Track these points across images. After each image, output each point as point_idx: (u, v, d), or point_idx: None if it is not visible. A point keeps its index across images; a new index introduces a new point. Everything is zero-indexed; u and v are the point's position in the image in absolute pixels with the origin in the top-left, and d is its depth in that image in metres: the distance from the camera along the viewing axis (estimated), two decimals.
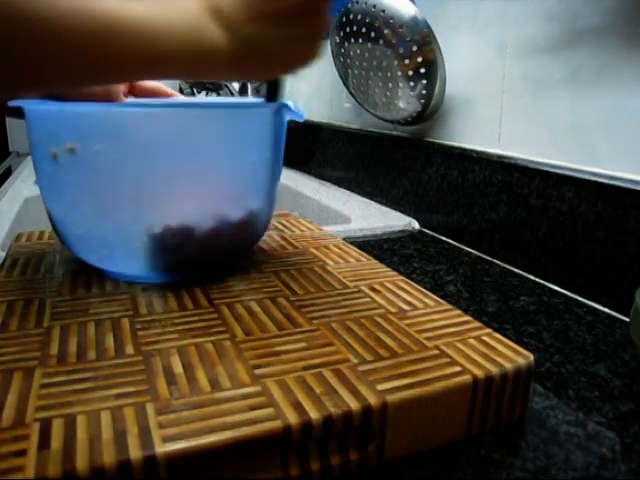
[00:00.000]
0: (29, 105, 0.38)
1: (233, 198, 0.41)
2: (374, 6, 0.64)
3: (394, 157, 0.78)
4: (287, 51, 0.31)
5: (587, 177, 0.49)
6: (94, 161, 0.37)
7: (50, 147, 0.38)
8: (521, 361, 0.31)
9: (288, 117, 0.43)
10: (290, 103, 0.42)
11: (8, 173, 0.98)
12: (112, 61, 0.27)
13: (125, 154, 0.37)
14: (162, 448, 0.23)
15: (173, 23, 0.28)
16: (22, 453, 0.23)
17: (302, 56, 0.32)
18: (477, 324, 0.35)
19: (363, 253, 0.49)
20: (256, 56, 0.30)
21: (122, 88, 0.47)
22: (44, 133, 0.39)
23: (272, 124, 0.41)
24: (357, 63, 0.71)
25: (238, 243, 0.43)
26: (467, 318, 0.36)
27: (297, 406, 0.26)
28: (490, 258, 0.61)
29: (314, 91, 1.04)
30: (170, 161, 0.38)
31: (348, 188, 0.91)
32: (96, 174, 0.37)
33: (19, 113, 0.39)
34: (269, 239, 0.53)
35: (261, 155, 0.41)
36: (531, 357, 0.31)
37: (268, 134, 0.41)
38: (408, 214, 0.75)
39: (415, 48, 0.62)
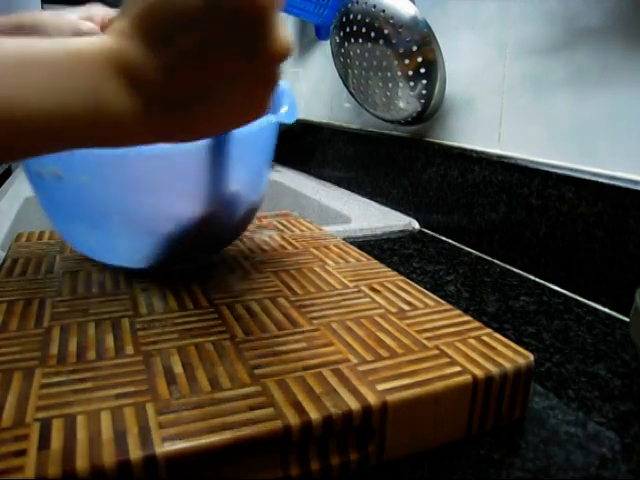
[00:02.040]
0: None
1: (218, 207, 0.41)
2: (374, 6, 0.64)
3: (394, 157, 0.78)
4: (223, 104, 0.24)
5: (587, 177, 0.49)
6: (79, 188, 0.37)
7: (34, 165, 0.38)
8: (521, 361, 0.31)
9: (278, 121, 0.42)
10: (283, 111, 0.41)
11: (8, 173, 0.98)
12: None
13: (109, 186, 0.37)
14: (162, 448, 0.23)
15: (68, 93, 0.22)
16: (22, 453, 0.23)
17: (241, 112, 0.26)
18: (477, 324, 0.35)
19: (363, 253, 0.49)
20: (181, 117, 0.24)
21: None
22: None
23: (256, 145, 0.42)
24: (357, 63, 0.71)
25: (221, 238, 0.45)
26: (467, 318, 0.36)
27: (297, 406, 0.26)
28: (490, 258, 0.61)
29: (314, 91, 1.04)
30: (154, 192, 0.38)
31: (348, 188, 0.91)
32: (81, 199, 0.38)
33: None
34: (269, 239, 0.53)
35: (248, 167, 0.41)
36: (531, 357, 0.31)
37: (253, 154, 0.41)
38: (408, 214, 0.75)
39: (415, 48, 0.62)
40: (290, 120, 0.41)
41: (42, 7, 1.39)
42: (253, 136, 0.40)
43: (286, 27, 0.24)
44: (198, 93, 0.24)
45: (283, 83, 0.44)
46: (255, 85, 0.24)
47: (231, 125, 0.26)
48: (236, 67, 0.23)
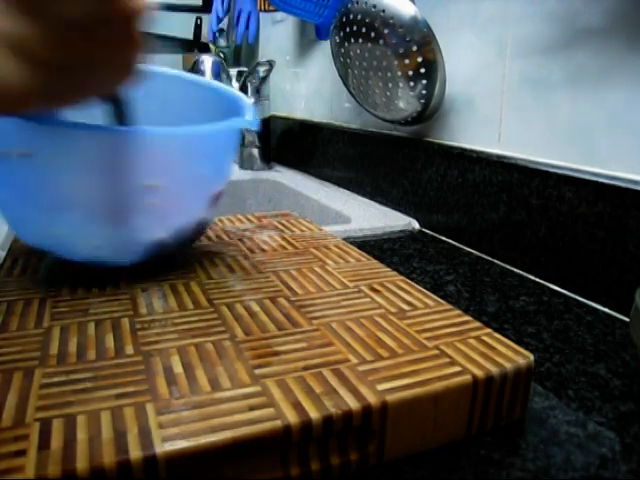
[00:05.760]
0: None
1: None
2: (374, 6, 0.64)
3: (394, 157, 0.78)
4: (96, 71, 0.28)
5: (587, 177, 0.49)
6: (45, 169, 0.37)
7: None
8: (521, 361, 0.31)
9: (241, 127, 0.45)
10: (247, 116, 0.44)
11: None
12: None
13: (76, 167, 0.37)
14: (162, 448, 0.23)
15: None
16: (22, 453, 0.23)
17: (113, 75, 0.30)
18: (477, 324, 0.35)
19: (363, 253, 0.49)
20: (63, 81, 0.27)
21: None
22: None
23: (223, 141, 0.44)
24: (357, 63, 0.71)
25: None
26: (467, 318, 0.36)
27: (297, 406, 0.26)
28: (490, 258, 0.61)
29: (314, 91, 1.04)
30: (121, 175, 0.38)
31: (348, 188, 0.91)
32: (47, 180, 0.37)
33: None
34: (269, 239, 0.53)
35: (215, 165, 0.44)
36: (531, 357, 0.31)
37: (218, 149, 0.44)
38: (408, 214, 0.75)
39: (415, 48, 0.62)
40: (254, 127, 0.44)
41: None
42: (221, 134, 0.44)
43: None
44: (75, 59, 0.27)
45: (244, 98, 0.48)
46: (118, 48, 0.28)
47: (106, 88, 0.30)
48: (102, 31, 0.27)
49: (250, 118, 0.44)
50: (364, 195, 0.86)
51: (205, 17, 1.44)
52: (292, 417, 0.26)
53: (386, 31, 0.64)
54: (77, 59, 0.27)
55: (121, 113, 0.39)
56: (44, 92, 0.27)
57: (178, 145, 0.40)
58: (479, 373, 0.29)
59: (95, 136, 0.37)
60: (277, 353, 0.31)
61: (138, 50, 0.29)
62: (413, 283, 0.42)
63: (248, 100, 0.48)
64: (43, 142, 0.36)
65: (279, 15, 1.12)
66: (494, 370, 0.30)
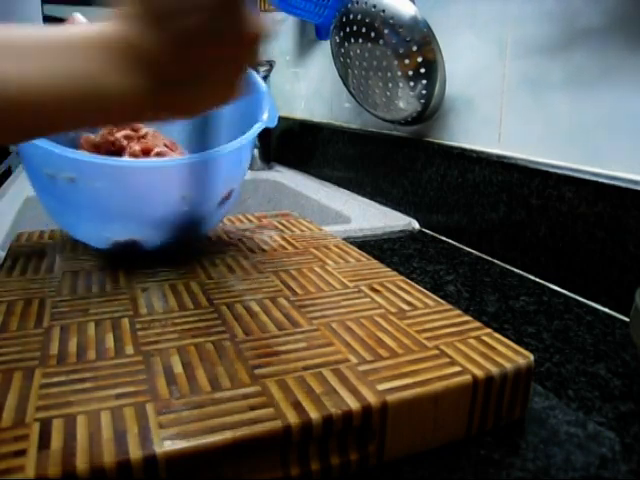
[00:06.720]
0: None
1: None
2: (374, 6, 0.64)
3: (394, 157, 0.78)
4: (210, 86, 0.28)
5: (587, 177, 0.49)
6: (91, 192, 0.41)
7: (45, 169, 0.41)
8: (521, 361, 0.31)
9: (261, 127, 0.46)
10: (264, 117, 0.45)
11: (8, 173, 0.98)
12: (25, 125, 0.25)
13: (122, 192, 0.42)
14: (162, 448, 0.23)
15: (69, 77, 0.24)
16: (22, 453, 0.23)
17: (224, 92, 0.29)
18: (477, 324, 0.35)
19: (363, 253, 0.49)
20: (179, 95, 0.27)
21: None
22: (40, 158, 0.42)
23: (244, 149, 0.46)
24: (357, 63, 0.71)
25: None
26: (467, 318, 0.36)
27: (297, 406, 0.26)
28: (490, 258, 0.61)
29: (314, 91, 1.03)
30: (155, 196, 0.43)
31: (348, 188, 0.91)
32: (94, 201, 0.42)
33: None
34: (269, 239, 0.53)
35: (234, 166, 0.46)
36: (531, 357, 0.31)
37: (239, 155, 0.46)
38: (408, 214, 0.75)
39: (415, 48, 0.62)
40: (272, 124, 0.45)
41: (42, 7, 1.39)
42: (244, 145, 0.45)
43: (258, 14, 0.27)
44: (194, 74, 0.26)
45: (263, 88, 0.48)
46: (235, 66, 0.28)
47: (215, 104, 0.30)
48: (220, 51, 0.26)
49: (268, 116, 0.45)
50: (364, 195, 0.86)
51: None
52: (292, 417, 0.26)
53: (386, 31, 0.63)
54: (194, 76, 0.27)
55: (206, 123, 0.39)
56: (156, 105, 0.27)
57: (203, 166, 0.41)
58: (479, 373, 0.29)
59: (129, 168, 0.42)
60: (277, 353, 0.31)
61: (245, 70, 0.29)
62: (413, 283, 0.42)
63: (264, 86, 0.48)
64: (84, 171, 0.40)
65: (279, 15, 1.12)
66: (494, 370, 0.30)
